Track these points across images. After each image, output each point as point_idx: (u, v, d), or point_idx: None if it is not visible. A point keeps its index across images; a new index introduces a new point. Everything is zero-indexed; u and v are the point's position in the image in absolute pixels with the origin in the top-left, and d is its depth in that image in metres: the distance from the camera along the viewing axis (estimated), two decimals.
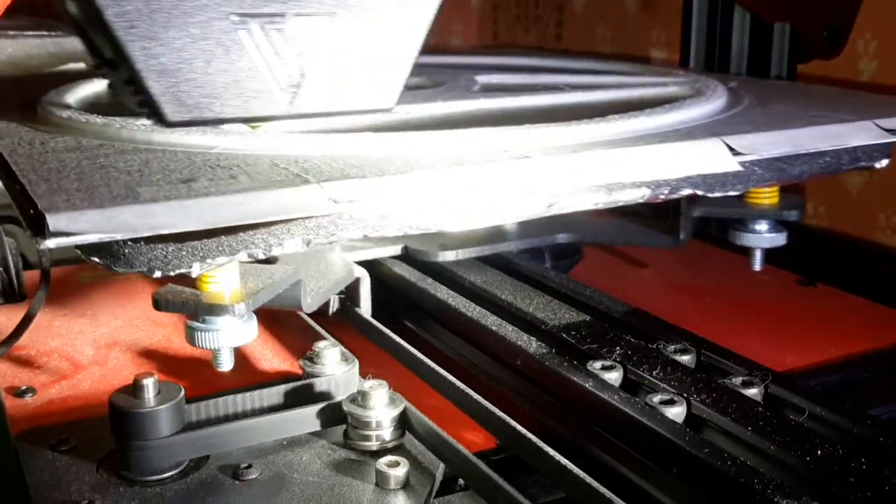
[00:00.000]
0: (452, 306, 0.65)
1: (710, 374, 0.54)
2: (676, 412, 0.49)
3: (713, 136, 0.51)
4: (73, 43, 1.08)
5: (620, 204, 0.50)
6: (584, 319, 0.61)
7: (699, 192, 0.50)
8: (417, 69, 0.52)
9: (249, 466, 0.49)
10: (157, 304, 0.48)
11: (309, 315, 0.65)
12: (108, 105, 0.66)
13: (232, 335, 0.49)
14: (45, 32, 1.09)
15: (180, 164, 0.45)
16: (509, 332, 0.59)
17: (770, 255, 0.84)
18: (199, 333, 0.49)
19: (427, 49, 0.50)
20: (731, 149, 0.50)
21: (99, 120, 0.53)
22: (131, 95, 0.48)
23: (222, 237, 0.43)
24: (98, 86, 0.71)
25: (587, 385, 0.51)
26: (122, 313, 0.77)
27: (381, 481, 0.47)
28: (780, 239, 0.65)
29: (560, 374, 0.53)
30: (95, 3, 0.44)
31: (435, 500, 0.48)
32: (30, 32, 1.10)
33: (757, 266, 0.66)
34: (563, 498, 0.48)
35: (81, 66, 0.99)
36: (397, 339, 0.62)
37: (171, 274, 0.43)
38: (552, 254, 0.80)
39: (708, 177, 0.50)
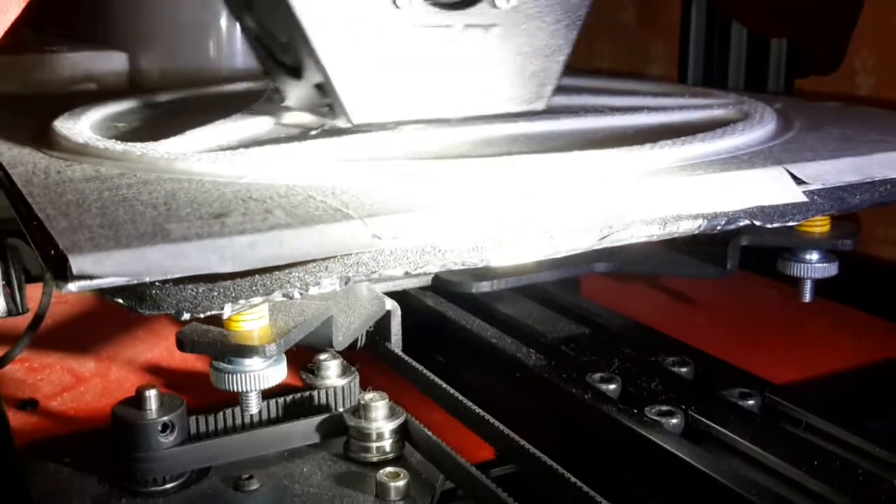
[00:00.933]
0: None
1: (708, 387, 0.54)
2: (675, 424, 0.49)
3: (775, 164, 0.48)
4: (88, 60, 1.08)
5: (675, 236, 0.47)
6: (582, 332, 0.61)
7: (757, 223, 0.47)
8: None
9: (251, 477, 0.49)
10: (182, 346, 0.45)
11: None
12: (124, 129, 0.64)
13: (261, 377, 0.46)
14: (61, 50, 1.09)
15: (209, 196, 0.42)
16: (508, 344, 0.59)
17: (767, 268, 0.84)
18: (226, 376, 0.45)
19: None
20: (794, 177, 0.47)
21: (118, 147, 0.50)
22: (320, 99, 0.54)
23: (256, 276, 0.40)
24: (112, 108, 0.69)
25: (586, 397, 0.52)
26: (124, 325, 0.77)
27: (382, 493, 0.48)
28: (832, 269, 0.61)
29: (559, 386, 0.53)
30: (295, 16, 0.50)
31: None
32: (46, 50, 1.10)
33: (807, 297, 0.62)
34: None
35: (93, 86, 0.99)
36: (432, 375, 0.59)
37: (201, 316, 0.40)
38: None
39: (767, 207, 0.47)
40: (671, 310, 0.83)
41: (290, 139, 0.54)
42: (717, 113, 0.63)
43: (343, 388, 0.54)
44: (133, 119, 0.68)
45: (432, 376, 0.59)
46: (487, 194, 0.43)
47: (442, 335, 0.67)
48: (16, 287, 0.72)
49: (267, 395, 0.53)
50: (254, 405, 0.47)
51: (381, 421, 0.51)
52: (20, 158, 0.51)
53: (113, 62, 1.11)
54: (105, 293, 0.38)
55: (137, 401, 0.49)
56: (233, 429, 0.52)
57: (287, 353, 0.70)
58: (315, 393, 0.54)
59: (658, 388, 0.53)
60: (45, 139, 0.55)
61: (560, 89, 0.61)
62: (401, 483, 0.48)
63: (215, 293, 0.40)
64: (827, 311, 0.82)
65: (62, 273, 0.34)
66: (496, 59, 0.54)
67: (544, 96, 0.57)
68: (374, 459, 0.51)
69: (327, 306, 0.51)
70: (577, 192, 0.44)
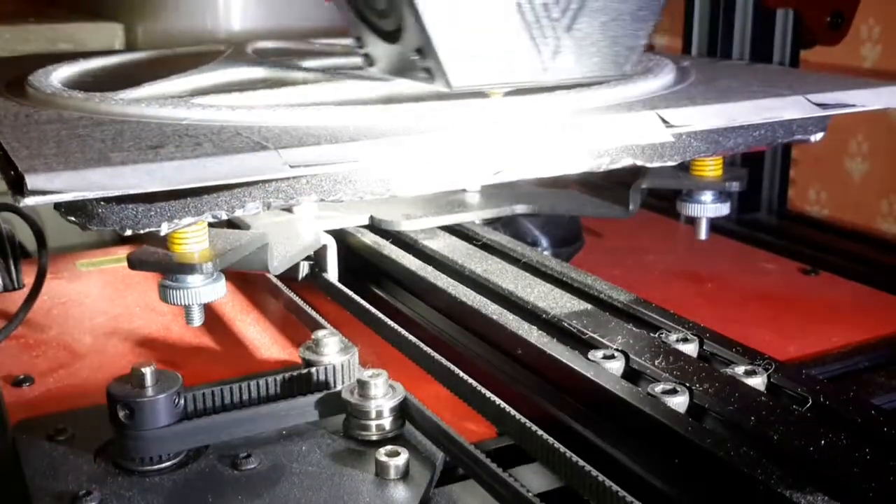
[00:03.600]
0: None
1: (712, 364, 0.53)
2: (678, 402, 0.48)
3: (649, 109, 0.54)
4: (69, 28, 1.08)
5: (564, 173, 0.53)
6: (585, 308, 0.60)
7: (638, 163, 0.54)
8: None
9: (248, 456, 0.49)
10: (132, 264, 0.52)
11: (280, 279, 0.69)
12: (92, 82, 0.70)
13: (200, 292, 0.52)
14: (41, 19, 1.08)
15: (151, 133, 0.49)
16: (510, 320, 0.59)
17: (773, 244, 0.84)
18: (170, 291, 0.52)
19: None
20: (664, 121, 0.53)
21: (80, 95, 0.57)
22: (416, 63, 0.56)
23: (188, 199, 0.47)
24: (83, 65, 0.75)
25: (588, 374, 0.51)
26: (120, 302, 0.76)
27: (381, 471, 0.47)
28: (723, 209, 0.67)
29: (561, 363, 0.53)
30: None
31: (435, 490, 0.48)
32: (30, 20, 1.10)
33: (702, 235, 0.69)
34: (564, 487, 0.48)
35: (70, 47, 1.00)
36: (362, 301, 0.65)
37: (141, 232, 0.47)
38: (552, 241, 0.80)
39: (647, 147, 0.54)
40: (626, 263, 0.86)
41: (233, 89, 0.61)
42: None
43: (342, 365, 0.54)
44: (102, 74, 0.75)
45: (362, 301, 0.65)
46: (393, 132, 0.49)
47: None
48: (11, 262, 0.71)
49: (265, 372, 0.53)
50: (196, 318, 0.54)
51: (381, 399, 0.51)
52: None
53: (108, 33, 1.10)
54: (61, 212, 0.46)
55: (133, 378, 0.48)
56: (230, 406, 0.51)
57: (285, 331, 0.71)
58: (314, 370, 0.53)
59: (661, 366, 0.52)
60: (19, 91, 0.62)
61: None
62: (400, 461, 0.47)
63: (153, 213, 0.47)
64: (831, 285, 0.81)
65: (20, 189, 0.41)
66: (590, 23, 0.57)
67: (632, 60, 0.60)
68: (374, 437, 0.51)
69: (263, 235, 0.58)
70: (474, 132, 0.50)
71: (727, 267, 0.85)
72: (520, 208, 0.77)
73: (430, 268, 0.68)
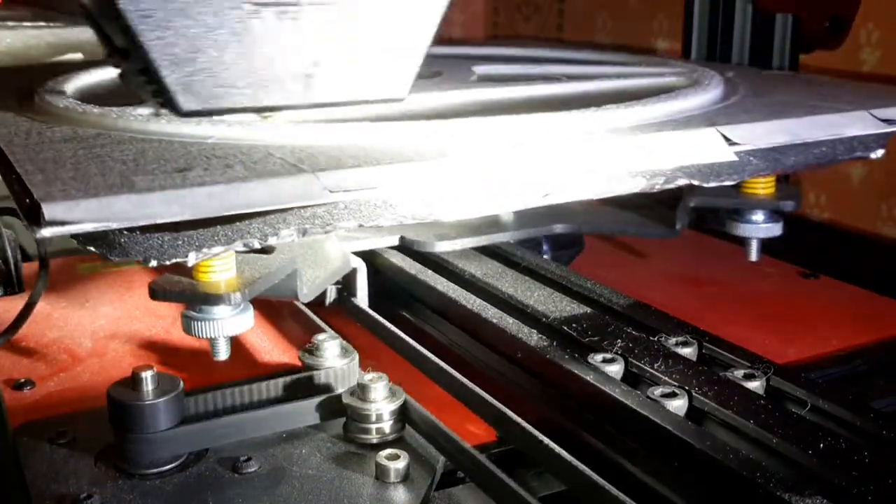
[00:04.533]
0: (451, 297, 0.65)
1: (711, 367, 0.53)
2: (678, 405, 0.48)
3: (709, 126, 0.51)
4: (72, 33, 1.08)
5: (616, 194, 0.49)
6: (584, 312, 0.60)
7: (694, 182, 0.50)
8: None
9: (249, 459, 0.49)
10: (154, 294, 0.48)
11: (307, 305, 0.65)
12: (106, 95, 0.65)
13: (228, 324, 0.49)
14: (42, 23, 1.08)
15: (176, 153, 0.45)
16: (510, 324, 0.59)
17: (772, 246, 0.83)
18: (195, 323, 0.49)
19: None
20: (726, 138, 0.50)
21: (96, 110, 0.53)
22: (145, 85, 0.49)
23: (218, 227, 0.43)
24: (96, 76, 0.71)
25: (588, 378, 0.51)
26: (120, 305, 0.76)
27: (381, 474, 0.47)
28: (776, 229, 0.64)
29: (561, 366, 0.53)
30: None
31: (435, 493, 0.48)
32: (28, 23, 1.10)
33: (753, 256, 0.65)
34: (564, 491, 0.48)
35: (80, 56, 0.99)
36: (394, 329, 0.62)
37: (167, 263, 0.43)
38: (552, 245, 0.79)
39: (703, 167, 0.50)
40: (626, 267, 0.85)
41: None
42: (668, 80, 0.66)
43: (342, 368, 0.54)
44: (114, 86, 0.69)
45: (395, 329, 0.61)
46: (438, 153, 0.45)
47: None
48: (11, 264, 0.71)
49: (265, 376, 0.53)
50: (222, 351, 0.50)
51: (381, 402, 0.51)
52: (3, 122, 0.53)
53: None
54: (79, 241, 0.42)
55: (133, 381, 0.48)
56: (231, 410, 0.51)
57: (286, 334, 0.70)
58: (314, 374, 0.53)
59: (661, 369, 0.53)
60: (28, 105, 0.58)
61: (521, 59, 0.62)
62: (400, 464, 0.47)
63: (180, 242, 0.43)
64: (830, 289, 0.81)
65: (36, 219, 0.37)
66: (343, 42, 0.51)
67: (406, 82, 0.54)
68: (374, 441, 0.51)
69: (292, 259, 0.54)
70: (521, 151, 0.47)
71: (726, 270, 0.85)
72: (558, 227, 0.73)
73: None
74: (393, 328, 0.62)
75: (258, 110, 0.51)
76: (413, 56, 0.52)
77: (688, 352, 0.55)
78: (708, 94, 0.59)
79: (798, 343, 0.68)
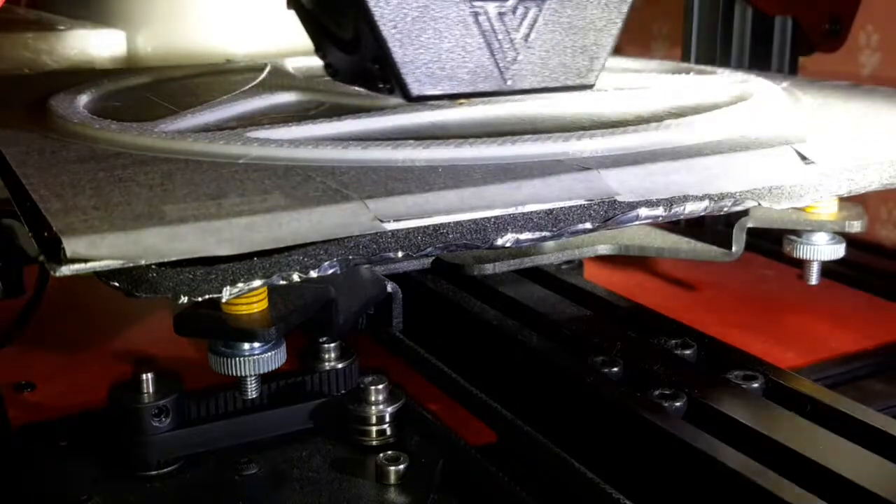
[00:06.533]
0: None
1: (711, 369, 0.54)
2: (677, 407, 0.49)
3: (782, 144, 0.47)
4: (77, 37, 1.07)
5: (680, 217, 0.46)
6: (585, 314, 0.60)
7: (764, 204, 0.46)
8: None
9: (249, 462, 0.49)
10: (179, 328, 0.44)
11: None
12: (121, 108, 0.62)
13: (260, 361, 0.45)
14: (48, 27, 1.08)
15: (206, 176, 0.41)
16: (510, 325, 0.59)
17: (772, 250, 0.83)
18: (224, 360, 0.44)
19: None
20: (802, 157, 0.46)
21: (114, 126, 0.49)
22: (375, 73, 0.54)
23: (255, 259, 0.39)
24: (109, 87, 0.67)
25: (588, 379, 0.51)
26: (122, 307, 0.76)
27: (381, 476, 0.47)
28: (839, 251, 0.59)
29: (561, 368, 0.53)
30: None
31: (435, 495, 0.48)
32: (32, 30, 1.09)
33: (813, 280, 0.60)
34: (564, 492, 0.48)
35: (90, 65, 0.98)
36: (433, 358, 0.59)
37: (199, 299, 0.39)
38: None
39: (774, 188, 0.46)
40: (626, 270, 0.84)
41: (288, 119, 0.53)
42: (727, 93, 0.61)
43: (342, 371, 0.54)
44: (130, 98, 0.66)
45: (433, 359, 0.59)
46: (490, 175, 0.42)
47: (444, 318, 0.66)
48: (13, 268, 0.71)
49: (266, 378, 0.53)
50: (252, 390, 0.46)
51: (381, 405, 0.51)
52: (14, 138, 0.49)
53: (110, 40, 1.10)
54: (100, 276, 0.38)
55: (134, 383, 0.49)
56: (231, 412, 0.51)
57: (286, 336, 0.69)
58: (314, 376, 0.53)
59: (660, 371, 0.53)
60: (40, 118, 0.54)
61: None
62: (400, 467, 0.47)
63: (213, 276, 0.38)
64: (830, 293, 0.81)
65: (56, 256, 0.33)
66: (549, 32, 0.55)
67: (595, 70, 0.57)
68: (374, 443, 0.51)
69: (327, 289, 0.49)
70: (581, 174, 0.43)
71: (726, 272, 0.85)
72: (602, 249, 0.68)
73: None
74: (436, 361, 0.59)
75: (471, 95, 0.56)
76: (605, 44, 0.57)
77: (687, 354, 0.55)
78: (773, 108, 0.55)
79: (798, 346, 0.69)
